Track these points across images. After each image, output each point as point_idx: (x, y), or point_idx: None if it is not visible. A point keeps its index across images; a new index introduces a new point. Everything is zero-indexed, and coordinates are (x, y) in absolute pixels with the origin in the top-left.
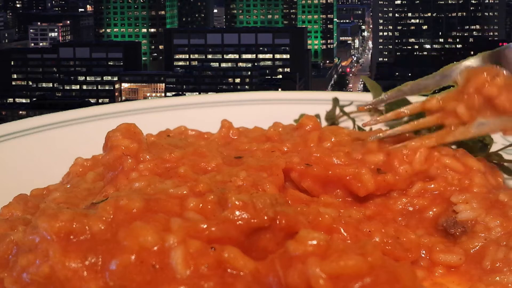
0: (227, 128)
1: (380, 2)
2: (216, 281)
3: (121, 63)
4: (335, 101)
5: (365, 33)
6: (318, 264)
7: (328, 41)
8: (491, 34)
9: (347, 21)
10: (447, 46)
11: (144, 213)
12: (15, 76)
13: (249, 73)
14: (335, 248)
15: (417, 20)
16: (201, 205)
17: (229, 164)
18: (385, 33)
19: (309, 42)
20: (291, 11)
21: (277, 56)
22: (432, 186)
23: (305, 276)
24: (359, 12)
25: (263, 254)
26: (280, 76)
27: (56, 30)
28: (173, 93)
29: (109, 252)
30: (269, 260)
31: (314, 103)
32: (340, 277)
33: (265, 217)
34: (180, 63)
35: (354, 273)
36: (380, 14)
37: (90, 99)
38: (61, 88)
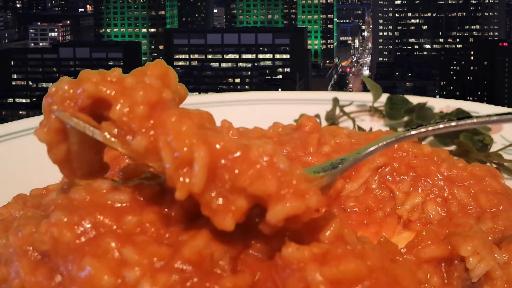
0: (227, 128)
1: (380, 2)
2: None
3: (121, 63)
4: (335, 101)
5: (365, 33)
6: (318, 270)
7: (328, 41)
8: (491, 34)
9: (347, 21)
10: (447, 46)
11: (88, 242)
12: (15, 76)
13: (249, 73)
14: (334, 252)
15: (417, 20)
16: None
17: None
18: (385, 33)
19: (309, 42)
20: (291, 11)
21: (277, 56)
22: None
23: (304, 282)
24: (359, 12)
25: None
26: (280, 76)
27: (56, 30)
28: None
29: (71, 274)
30: (267, 266)
31: (314, 103)
32: (340, 282)
33: (219, 271)
34: (180, 63)
35: (354, 277)
36: (380, 14)
37: None
38: None
